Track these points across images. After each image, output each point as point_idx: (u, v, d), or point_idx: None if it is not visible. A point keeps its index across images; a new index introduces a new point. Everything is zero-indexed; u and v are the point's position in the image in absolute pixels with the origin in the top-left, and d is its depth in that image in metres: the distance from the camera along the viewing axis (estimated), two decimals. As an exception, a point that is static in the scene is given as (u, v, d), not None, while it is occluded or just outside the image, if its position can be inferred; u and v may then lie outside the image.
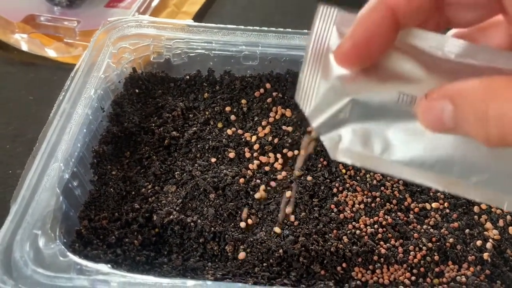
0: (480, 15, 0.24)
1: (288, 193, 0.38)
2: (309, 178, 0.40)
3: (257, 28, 0.46)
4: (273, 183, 0.39)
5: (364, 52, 0.22)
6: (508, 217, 0.38)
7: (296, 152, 0.42)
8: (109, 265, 0.30)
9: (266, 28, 0.46)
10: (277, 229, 0.36)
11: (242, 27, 0.46)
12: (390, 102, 0.23)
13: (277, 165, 0.41)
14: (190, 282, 0.29)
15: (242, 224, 0.37)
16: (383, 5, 0.22)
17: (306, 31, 0.46)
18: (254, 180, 0.40)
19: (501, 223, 0.38)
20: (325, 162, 0.41)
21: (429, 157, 0.23)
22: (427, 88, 0.22)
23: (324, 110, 0.24)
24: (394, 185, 0.40)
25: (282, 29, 0.46)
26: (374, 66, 0.23)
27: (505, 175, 0.23)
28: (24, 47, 0.57)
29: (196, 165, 0.41)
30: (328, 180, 0.40)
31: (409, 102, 0.23)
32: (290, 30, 0.46)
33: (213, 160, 0.41)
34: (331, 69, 0.23)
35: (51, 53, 0.56)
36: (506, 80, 0.19)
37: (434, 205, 0.39)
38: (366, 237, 0.36)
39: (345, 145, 0.24)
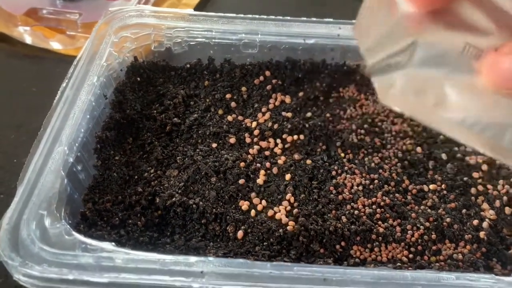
0: None
1: (287, 176, 0.39)
2: (308, 161, 0.40)
3: (257, 16, 0.47)
4: (273, 167, 0.40)
5: None
6: (505, 198, 0.39)
7: (295, 137, 0.43)
8: (113, 244, 0.31)
9: (265, 16, 0.47)
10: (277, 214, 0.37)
11: (242, 15, 0.47)
12: (454, 51, 0.21)
13: (277, 150, 0.42)
14: (193, 258, 0.30)
15: (244, 207, 0.37)
16: None
17: (304, 18, 0.46)
18: (254, 164, 0.40)
19: (497, 203, 0.38)
20: (324, 147, 0.42)
21: (483, 118, 0.22)
22: (496, 42, 0.20)
23: (383, 48, 0.22)
24: (392, 168, 0.40)
25: (281, 17, 0.47)
26: (443, 10, 0.21)
27: None
28: (27, 39, 0.57)
29: (197, 150, 0.41)
30: (327, 164, 0.41)
31: (474, 54, 0.21)
32: (289, 18, 0.47)
33: (214, 145, 0.42)
34: (398, 5, 0.21)
35: (54, 45, 0.57)
36: None
37: (431, 186, 0.39)
38: (364, 217, 0.37)
39: (397, 90, 0.22)
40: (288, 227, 0.35)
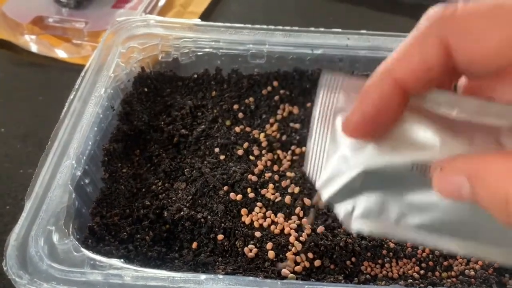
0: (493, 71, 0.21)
1: (296, 189, 0.39)
2: (317, 174, 0.40)
3: (264, 26, 0.47)
4: (281, 180, 0.40)
5: (373, 124, 0.21)
6: (516, 211, 0.38)
7: (304, 149, 0.42)
8: (122, 260, 0.31)
9: (273, 27, 0.47)
10: (286, 228, 0.36)
11: (249, 25, 0.47)
12: (403, 170, 0.22)
13: (285, 162, 0.42)
14: (202, 276, 0.30)
15: (252, 221, 0.37)
16: (389, 79, 0.20)
17: (312, 28, 0.46)
18: (263, 177, 0.40)
19: (509, 217, 0.38)
20: (333, 159, 0.42)
21: (447, 222, 0.22)
22: (441, 155, 0.20)
23: (335, 181, 0.23)
24: (402, 181, 0.40)
25: (289, 27, 0.46)
26: (385, 134, 0.22)
27: None
28: (33, 48, 0.57)
29: (205, 162, 0.41)
30: (336, 176, 0.40)
31: (424, 170, 0.21)
32: (296, 28, 0.46)
33: (222, 157, 0.42)
34: (340, 138, 0.22)
35: (60, 54, 0.57)
36: None
37: (442, 200, 0.39)
38: (374, 231, 0.36)
39: (360, 214, 0.23)
40: (297, 243, 0.35)
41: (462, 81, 0.23)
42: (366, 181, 0.23)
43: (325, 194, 0.23)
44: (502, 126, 0.21)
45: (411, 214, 0.23)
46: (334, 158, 0.23)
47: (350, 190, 0.23)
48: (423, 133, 0.21)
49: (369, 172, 0.22)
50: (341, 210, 0.24)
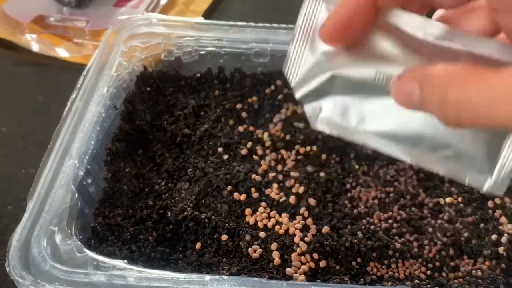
0: None
1: (301, 189, 0.38)
2: (322, 174, 0.40)
3: (268, 25, 0.46)
4: (286, 180, 0.39)
5: (345, 31, 0.24)
6: (523, 211, 0.38)
7: (308, 148, 0.42)
8: (125, 261, 0.31)
9: (276, 25, 0.46)
10: (291, 229, 0.36)
11: (252, 24, 0.46)
12: (368, 79, 0.25)
13: (290, 162, 0.41)
14: (207, 277, 0.29)
15: (257, 221, 0.36)
16: None
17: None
18: (267, 176, 0.40)
19: (515, 217, 0.38)
20: (338, 159, 0.41)
21: (402, 130, 0.26)
22: (402, 68, 0.24)
23: (308, 82, 0.27)
24: (408, 181, 0.40)
25: (292, 26, 0.46)
26: (356, 44, 0.25)
27: (466, 152, 0.25)
28: (34, 47, 0.57)
29: (208, 162, 0.41)
30: (341, 176, 0.40)
31: (385, 80, 0.25)
32: (300, 26, 0.46)
33: (226, 157, 0.41)
34: (317, 44, 0.26)
35: (61, 53, 0.56)
36: (467, 68, 0.21)
37: (448, 200, 0.38)
38: (380, 232, 0.36)
39: (325, 115, 0.27)
40: (302, 243, 0.35)
41: (438, 13, 0.26)
42: (334, 86, 0.26)
43: (298, 93, 0.27)
44: (462, 51, 0.23)
45: (370, 120, 0.26)
46: (310, 61, 0.26)
47: (319, 92, 0.27)
48: (389, 47, 0.24)
49: (337, 77, 0.26)
50: (309, 109, 0.27)
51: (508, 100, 0.20)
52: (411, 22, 0.24)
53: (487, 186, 0.26)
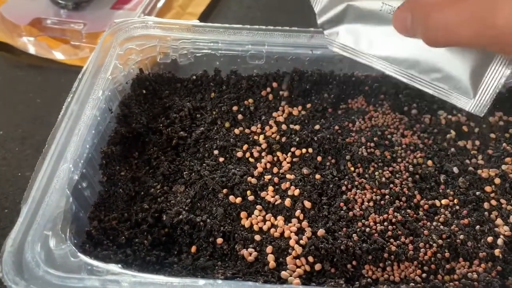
0: None
1: (296, 192, 0.38)
2: (317, 176, 0.40)
3: (263, 27, 0.46)
4: (281, 182, 0.39)
5: None
6: (519, 213, 0.38)
7: (304, 150, 0.42)
8: (120, 265, 0.31)
9: (272, 27, 0.46)
10: (286, 231, 0.36)
11: (248, 26, 0.46)
12: (375, 9, 0.33)
13: (285, 164, 0.41)
14: (201, 281, 0.29)
15: (252, 224, 0.36)
16: None
17: (312, 29, 0.46)
18: (263, 179, 0.40)
19: (511, 219, 0.37)
20: (333, 160, 0.41)
21: (401, 54, 0.33)
22: (403, 0, 0.30)
23: (329, 11, 0.35)
24: (403, 183, 0.40)
25: (288, 28, 0.46)
26: None
27: (454, 75, 0.31)
28: (31, 50, 0.57)
29: (204, 164, 0.41)
30: (336, 178, 0.40)
31: (389, 11, 0.32)
32: (295, 28, 0.46)
33: (221, 159, 0.41)
34: None
35: (58, 55, 0.57)
36: None
37: (443, 201, 0.38)
38: (376, 234, 0.36)
39: (341, 40, 0.36)
40: (297, 246, 0.34)
41: None
42: (349, 14, 0.34)
43: (320, 19, 0.36)
44: None
45: (377, 45, 0.34)
46: None
47: (337, 19, 0.35)
48: None
49: (351, 6, 0.34)
50: (328, 34, 0.36)
51: (469, 24, 0.26)
52: None
53: (470, 106, 0.32)
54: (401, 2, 0.30)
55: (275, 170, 0.41)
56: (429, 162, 0.41)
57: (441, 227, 0.37)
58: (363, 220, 0.37)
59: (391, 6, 0.32)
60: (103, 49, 0.44)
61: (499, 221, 0.37)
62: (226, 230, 0.36)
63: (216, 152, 0.42)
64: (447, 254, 0.35)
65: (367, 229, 0.36)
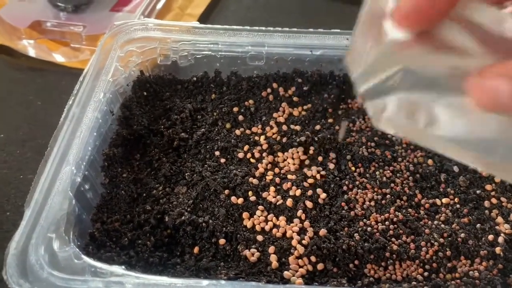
0: None
1: (298, 192, 0.38)
2: (318, 176, 0.40)
3: (263, 28, 0.46)
4: (282, 183, 0.40)
5: (424, 13, 0.21)
6: (519, 211, 0.38)
7: (304, 150, 0.42)
8: (123, 267, 0.31)
9: (271, 28, 0.46)
10: (288, 232, 0.36)
11: (248, 27, 0.46)
12: (441, 74, 0.22)
13: (286, 164, 0.41)
14: (204, 282, 0.29)
15: (255, 225, 0.37)
16: None
17: (311, 29, 0.46)
18: (264, 179, 0.40)
19: (512, 217, 0.38)
20: (334, 160, 0.41)
21: (475, 135, 0.22)
22: (481, 65, 0.21)
23: (373, 75, 0.23)
24: (404, 182, 0.40)
25: (287, 29, 0.46)
26: (429, 35, 0.21)
27: None
28: (31, 52, 0.57)
29: (205, 166, 0.41)
30: (337, 178, 0.40)
31: (461, 77, 0.21)
32: (295, 29, 0.46)
33: (223, 160, 0.41)
34: (385, 33, 0.22)
35: (58, 58, 0.57)
36: None
37: (444, 200, 0.39)
38: (377, 233, 0.36)
39: (389, 114, 0.23)
40: (300, 246, 0.35)
41: (510, 8, 0.24)
42: (403, 81, 0.23)
43: (361, 87, 0.24)
44: None
45: (441, 122, 0.23)
46: (376, 52, 0.22)
47: (385, 88, 0.23)
48: (466, 40, 0.21)
49: (408, 71, 0.22)
50: (372, 107, 0.24)
51: None
52: (488, 16, 0.21)
53: None
54: (479, 64, 0.21)
55: (276, 170, 0.41)
56: (430, 161, 0.41)
57: (442, 225, 0.37)
58: (364, 220, 0.37)
59: (464, 71, 0.21)
60: (104, 51, 0.45)
61: (499, 219, 0.38)
62: (228, 230, 0.36)
63: (217, 153, 0.42)
64: (448, 253, 0.35)
65: (369, 229, 0.36)
